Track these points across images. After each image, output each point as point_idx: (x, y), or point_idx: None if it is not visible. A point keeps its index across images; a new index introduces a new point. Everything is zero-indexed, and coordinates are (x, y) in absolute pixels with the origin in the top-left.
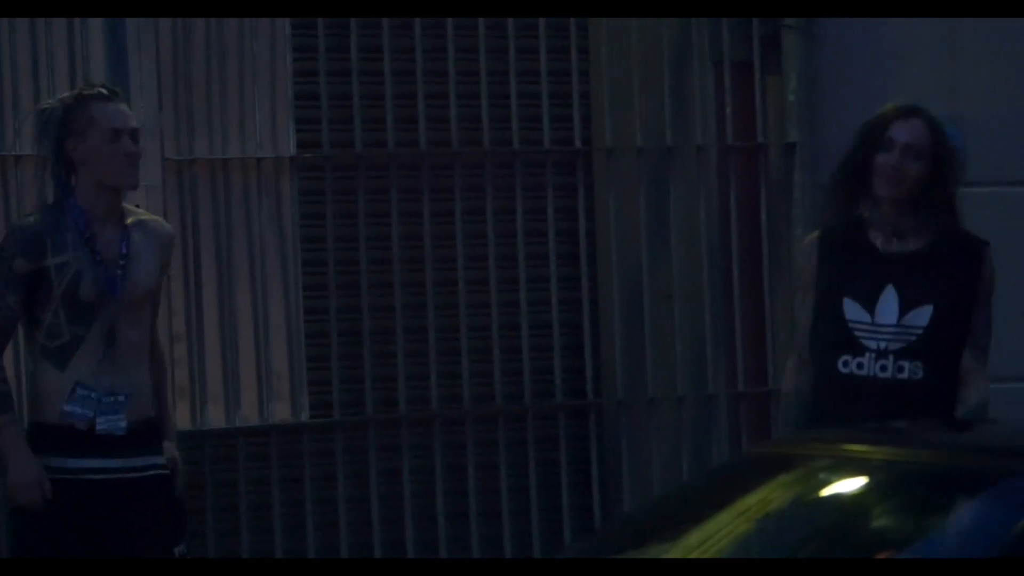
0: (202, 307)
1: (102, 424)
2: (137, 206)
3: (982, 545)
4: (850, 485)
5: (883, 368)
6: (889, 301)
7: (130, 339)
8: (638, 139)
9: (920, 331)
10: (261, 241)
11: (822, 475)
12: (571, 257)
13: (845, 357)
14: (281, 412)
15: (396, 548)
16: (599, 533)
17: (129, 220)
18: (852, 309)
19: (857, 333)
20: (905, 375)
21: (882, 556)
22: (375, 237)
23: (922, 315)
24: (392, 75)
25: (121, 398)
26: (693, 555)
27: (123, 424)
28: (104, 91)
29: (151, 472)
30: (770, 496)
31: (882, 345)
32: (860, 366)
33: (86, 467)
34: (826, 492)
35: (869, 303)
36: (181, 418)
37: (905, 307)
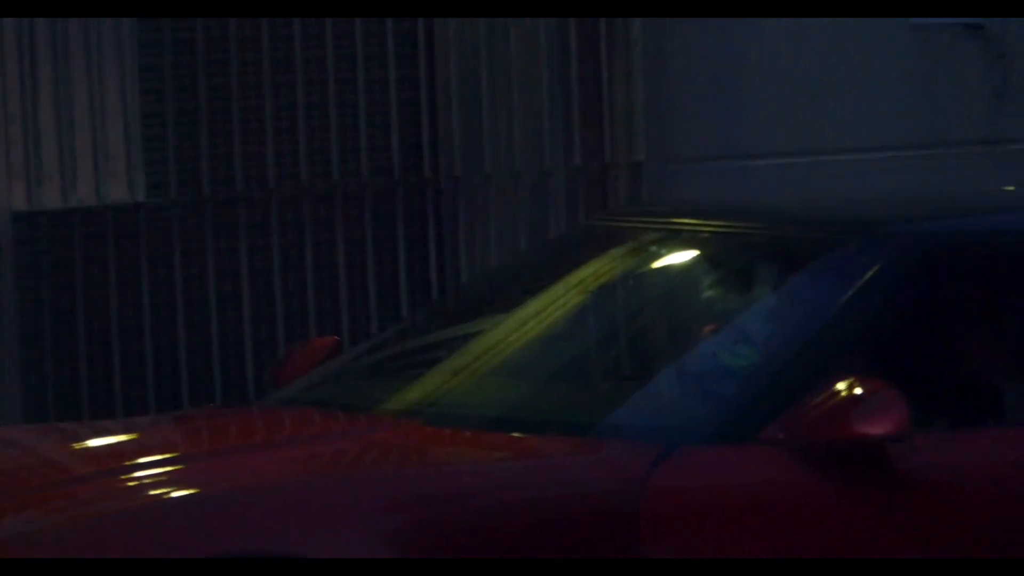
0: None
1: None
2: None
3: (811, 314)
4: (680, 257)
5: None
6: None
7: None
8: None
9: None
10: None
11: (653, 247)
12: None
13: None
14: (117, 192)
15: (233, 326)
16: (434, 305)
17: None
18: None
19: None
20: None
21: (709, 328)
22: None
23: None
24: None
25: None
26: (528, 326)
27: None
28: None
29: None
30: (602, 268)
31: None
32: None
33: None
34: (657, 264)
35: None
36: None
37: None
